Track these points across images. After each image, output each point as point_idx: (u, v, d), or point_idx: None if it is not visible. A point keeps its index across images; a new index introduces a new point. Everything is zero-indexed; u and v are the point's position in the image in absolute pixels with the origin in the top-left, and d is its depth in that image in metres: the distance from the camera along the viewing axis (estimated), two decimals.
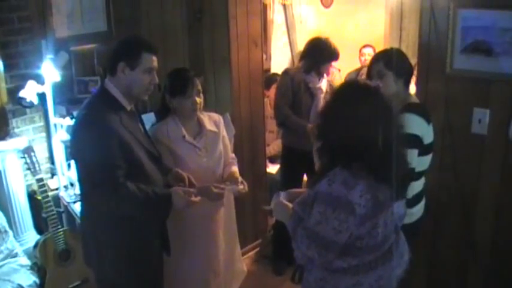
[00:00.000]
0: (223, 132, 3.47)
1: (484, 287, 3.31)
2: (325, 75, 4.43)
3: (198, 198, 2.89)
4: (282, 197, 2.65)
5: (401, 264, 2.56)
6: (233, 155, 3.58)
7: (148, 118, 3.50)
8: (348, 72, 6.52)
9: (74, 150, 2.78)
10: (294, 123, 4.31)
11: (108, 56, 2.81)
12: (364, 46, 6.52)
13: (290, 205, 2.56)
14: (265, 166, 5.03)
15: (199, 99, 3.22)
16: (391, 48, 3.54)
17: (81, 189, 2.86)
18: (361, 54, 6.46)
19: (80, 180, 2.84)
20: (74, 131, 2.75)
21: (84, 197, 2.92)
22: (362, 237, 2.31)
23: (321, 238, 2.27)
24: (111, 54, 2.78)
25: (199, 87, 3.23)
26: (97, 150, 2.59)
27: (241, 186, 3.30)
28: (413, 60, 5.22)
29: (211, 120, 3.38)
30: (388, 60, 3.28)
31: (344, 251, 2.33)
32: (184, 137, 3.21)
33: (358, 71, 6.41)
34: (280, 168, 4.91)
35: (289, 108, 4.33)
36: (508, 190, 3.09)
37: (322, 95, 4.32)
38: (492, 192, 3.15)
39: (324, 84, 4.37)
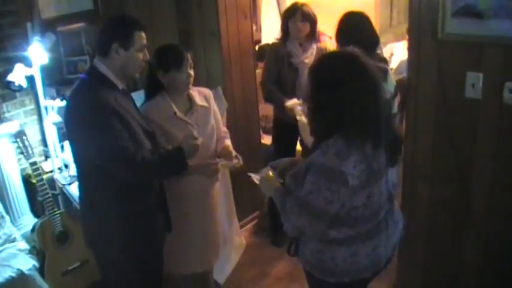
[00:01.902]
0: (214, 106, 3.44)
1: (482, 251, 3.32)
2: (314, 46, 4.32)
3: (200, 140, 2.97)
4: (268, 170, 2.70)
5: (397, 232, 2.58)
6: (225, 129, 3.56)
7: (140, 95, 3.46)
8: None
9: (76, 132, 2.74)
10: (276, 99, 4.27)
11: (99, 38, 2.78)
12: None
13: (275, 179, 2.59)
14: (259, 137, 5.02)
15: (192, 73, 3.19)
16: (348, 13, 3.65)
17: (84, 168, 2.84)
18: None
19: (82, 160, 2.82)
20: (73, 114, 2.72)
21: (87, 176, 2.88)
22: (357, 207, 2.32)
23: (311, 207, 2.29)
24: (102, 36, 2.76)
25: (191, 60, 3.20)
26: (102, 126, 2.60)
27: (235, 161, 3.31)
28: (405, 26, 5.20)
29: (201, 95, 3.35)
30: (339, 26, 3.64)
31: (339, 221, 2.34)
32: (175, 113, 3.18)
33: None
34: (272, 140, 4.89)
35: (275, 83, 4.28)
36: (503, 153, 3.07)
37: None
38: (487, 155, 3.13)
39: (311, 55, 4.26)
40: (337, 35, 3.66)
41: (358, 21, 3.68)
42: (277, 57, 4.27)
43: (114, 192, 2.80)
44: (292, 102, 4.10)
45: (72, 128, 2.77)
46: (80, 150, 2.79)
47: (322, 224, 2.32)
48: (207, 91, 3.44)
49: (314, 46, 4.32)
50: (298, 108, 4.02)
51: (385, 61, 3.80)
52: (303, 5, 4.21)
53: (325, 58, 2.48)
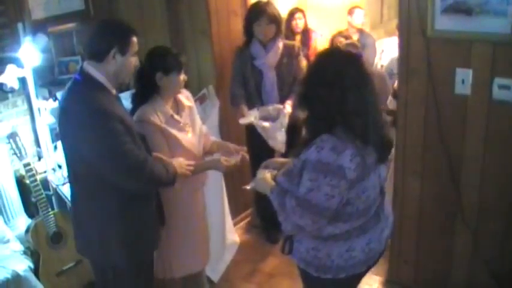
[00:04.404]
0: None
1: (473, 246, 3.35)
2: (279, 44, 4.18)
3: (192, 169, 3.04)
4: (263, 171, 2.69)
5: (388, 225, 2.61)
6: (204, 126, 3.52)
7: (126, 96, 3.45)
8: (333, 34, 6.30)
9: (77, 138, 2.66)
10: (237, 107, 4.20)
11: (95, 43, 2.71)
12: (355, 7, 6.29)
13: (269, 176, 2.61)
14: None
15: (185, 76, 3.20)
16: None
17: (80, 171, 2.80)
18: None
19: (77, 164, 2.78)
20: (74, 119, 2.65)
21: (84, 180, 2.82)
22: (352, 202, 2.34)
23: (313, 206, 2.29)
24: (99, 41, 2.69)
25: None
26: (111, 138, 2.57)
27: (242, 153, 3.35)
28: (395, 22, 5.22)
29: (183, 95, 3.33)
30: None
31: (335, 216, 2.35)
32: (172, 116, 3.16)
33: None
34: (247, 148, 4.69)
35: (242, 87, 4.22)
36: (493, 148, 3.11)
37: (272, 73, 4.18)
38: (477, 150, 3.16)
39: (275, 55, 4.16)
40: None
41: None
42: (241, 61, 4.19)
43: (115, 200, 2.76)
44: (247, 121, 4.07)
45: (73, 133, 2.69)
46: (76, 155, 2.73)
47: (323, 221, 2.34)
48: (185, 91, 3.40)
49: (279, 44, 4.19)
50: (254, 122, 4.02)
51: None
52: (267, 5, 4.11)
53: (334, 54, 2.55)
